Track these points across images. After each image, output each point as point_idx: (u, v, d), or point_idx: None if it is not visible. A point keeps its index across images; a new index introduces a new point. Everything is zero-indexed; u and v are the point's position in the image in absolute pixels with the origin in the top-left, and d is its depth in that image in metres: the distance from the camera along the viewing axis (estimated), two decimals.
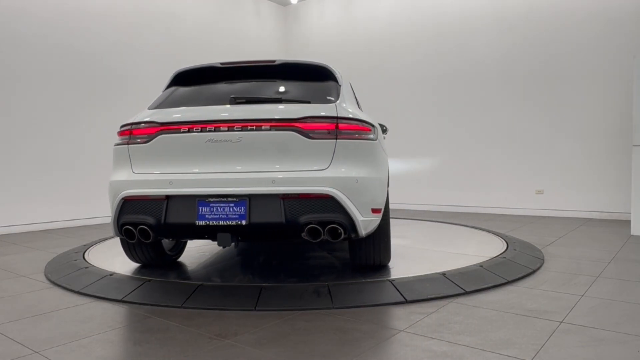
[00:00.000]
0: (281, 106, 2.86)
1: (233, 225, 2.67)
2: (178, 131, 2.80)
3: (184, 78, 3.35)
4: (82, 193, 6.33)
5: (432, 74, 8.05)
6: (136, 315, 2.55)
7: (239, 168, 2.73)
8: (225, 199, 2.69)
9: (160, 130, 2.84)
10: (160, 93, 3.35)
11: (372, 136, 2.89)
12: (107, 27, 6.76)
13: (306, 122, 2.72)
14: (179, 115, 2.88)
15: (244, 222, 2.66)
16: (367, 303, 2.67)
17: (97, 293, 2.94)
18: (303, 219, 2.63)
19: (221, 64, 3.22)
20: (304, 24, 9.72)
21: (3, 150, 5.72)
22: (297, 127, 2.71)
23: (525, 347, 2.04)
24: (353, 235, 2.72)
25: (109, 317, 2.55)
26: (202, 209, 2.70)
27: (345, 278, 3.04)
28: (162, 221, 2.76)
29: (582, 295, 2.82)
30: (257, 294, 2.75)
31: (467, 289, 2.88)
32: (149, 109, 3.08)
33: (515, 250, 3.90)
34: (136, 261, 3.52)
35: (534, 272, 3.40)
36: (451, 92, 7.86)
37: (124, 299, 2.80)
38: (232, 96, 2.88)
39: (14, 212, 5.77)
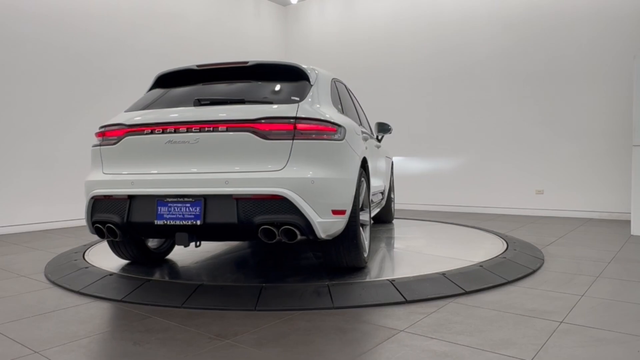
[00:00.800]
0: (239, 107, 2.87)
1: (189, 225, 2.71)
2: (142, 133, 2.89)
3: (165, 80, 3.45)
4: (81, 193, 6.30)
5: (432, 73, 8.06)
6: (136, 315, 2.55)
7: (195, 169, 2.76)
8: (182, 199, 2.73)
9: (127, 132, 2.94)
10: (143, 95, 3.44)
11: (336, 136, 2.84)
12: (107, 27, 6.76)
13: (262, 123, 2.71)
14: (144, 117, 2.98)
15: (199, 222, 2.68)
16: (367, 303, 2.67)
17: (97, 293, 2.94)
18: (257, 219, 2.62)
19: (197, 66, 3.28)
20: (304, 24, 9.72)
21: (3, 150, 5.72)
22: (253, 128, 2.70)
23: (525, 347, 2.04)
24: (311, 237, 2.69)
25: (109, 317, 2.56)
26: (160, 209, 2.76)
27: (345, 278, 3.04)
28: (125, 220, 2.84)
29: (582, 295, 2.82)
30: (257, 294, 2.75)
31: (467, 289, 2.88)
32: (125, 111, 3.18)
33: (515, 250, 3.90)
34: (122, 257, 3.61)
35: (534, 272, 3.40)
36: (451, 92, 7.86)
37: (124, 299, 2.80)
38: (196, 98, 2.95)
39: (14, 212, 5.77)
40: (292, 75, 3.19)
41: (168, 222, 2.73)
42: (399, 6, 8.42)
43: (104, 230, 2.95)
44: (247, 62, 3.18)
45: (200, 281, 3.05)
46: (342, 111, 3.49)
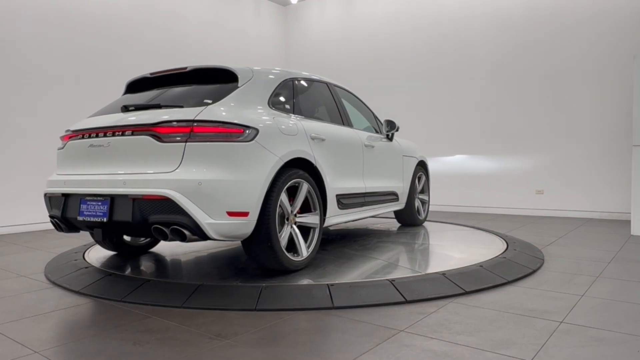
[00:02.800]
0: (147, 112, 3.01)
1: (99, 222, 2.93)
2: (77, 138, 3.20)
3: (133, 87, 3.70)
4: None
5: (432, 73, 8.06)
6: (136, 315, 2.55)
7: (105, 170, 2.99)
8: (96, 198, 2.97)
9: (71, 137, 3.26)
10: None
11: (242, 138, 2.84)
12: (107, 27, 6.76)
13: (160, 127, 2.81)
14: (82, 123, 3.28)
15: (105, 220, 2.89)
16: (367, 303, 2.67)
17: (97, 293, 2.94)
18: (149, 219, 2.74)
19: (150, 74, 3.52)
20: (304, 24, 9.72)
21: (3, 150, 5.72)
22: (152, 131, 2.82)
23: (525, 347, 2.04)
24: (203, 238, 2.76)
25: (109, 317, 2.55)
26: (82, 206, 3.04)
27: (345, 278, 3.04)
28: (61, 215, 3.16)
29: (582, 295, 2.82)
30: (257, 294, 2.75)
31: (467, 289, 2.88)
32: (87, 117, 3.42)
33: (515, 250, 3.90)
34: (105, 248, 3.96)
35: (534, 272, 3.40)
36: (451, 92, 7.86)
37: (124, 299, 2.81)
38: (123, 105, 3.17)
39: (14, 212, 5.77)
40: (224, 78, 3.27)
41: (86, 219, 2.98)
42: (399, 6, 8.42)
43: (54, 223, 3.29)
44: (185, 68, 3.34)
45: (200, 281, 3.05)
46: (294, 111, 3.48)
